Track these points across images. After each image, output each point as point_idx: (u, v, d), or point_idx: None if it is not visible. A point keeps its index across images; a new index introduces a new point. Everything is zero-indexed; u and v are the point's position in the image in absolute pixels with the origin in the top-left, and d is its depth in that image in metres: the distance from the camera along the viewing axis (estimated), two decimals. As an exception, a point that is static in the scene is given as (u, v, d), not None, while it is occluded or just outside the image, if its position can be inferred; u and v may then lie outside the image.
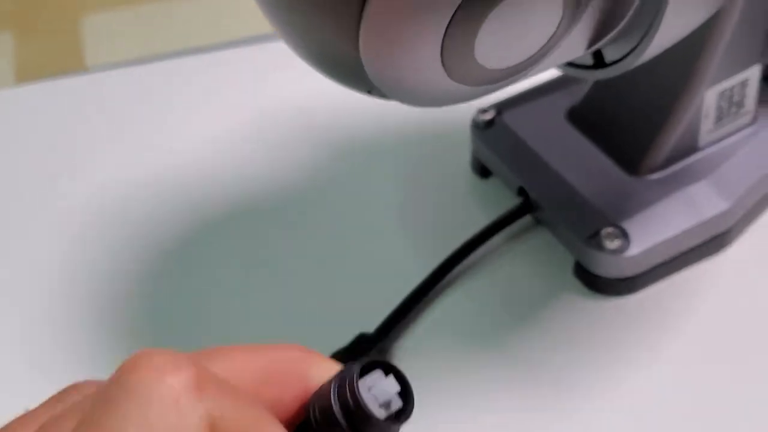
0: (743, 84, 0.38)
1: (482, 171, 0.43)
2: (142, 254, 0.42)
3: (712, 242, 0.38)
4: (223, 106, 0.48)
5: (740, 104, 0.39)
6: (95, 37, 0.55)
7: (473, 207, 0.42)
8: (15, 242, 0.43)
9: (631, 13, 0.29)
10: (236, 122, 0.47)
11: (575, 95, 0.41)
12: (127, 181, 0.45)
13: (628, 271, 0.37)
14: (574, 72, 0.34)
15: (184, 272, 0.41)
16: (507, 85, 0.30)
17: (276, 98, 0.48)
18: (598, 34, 0.30)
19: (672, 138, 0.38)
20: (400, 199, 0.43)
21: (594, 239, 0.37)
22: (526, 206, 0.40)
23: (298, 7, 0.28)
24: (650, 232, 0.37)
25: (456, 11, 0.26)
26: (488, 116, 0.42)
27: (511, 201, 0.41)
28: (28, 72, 0.52)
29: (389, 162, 0.45)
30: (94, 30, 0.55)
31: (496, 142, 0.42)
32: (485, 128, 0.42)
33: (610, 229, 0.37)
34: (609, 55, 0.32)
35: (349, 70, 0.28)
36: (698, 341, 0.37)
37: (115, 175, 0.45)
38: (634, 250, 0.37)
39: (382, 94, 0.29)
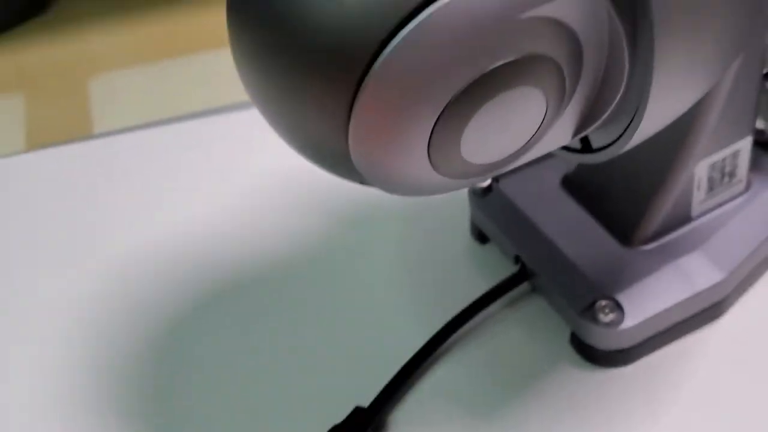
0: (734, 155, 0.38)
1: (481, 237, 0.43)
2: (144, 317, 0.43)
3: (706, 312, 0.39)
4: (228, 170, 0.49)
5: (732, 174, 0.39)
6: (103, 98, 0.56)
7: (472, 273, 0.43)
8: (26, 306, 0.44)
9: (614, 104, 0.30)
10: (239, 186, 0.48)
11: (570, 163, 0.42)
12: (132, 246, 0.46)
13: (623, 343, 0.38)
14: (562, 154, 0.34)
15: (182, 336, 0.42)
16: (494, 175, 0.30)
17: (279, 162, 0.48)
18: (583, 124, 0.30)
19: (663, 209, 0.38)
20: (402, 264, 0.44)
21: (588, 312, 0.37)
22: (522, 274, 0.40)
23: (287, 105, 0.28)
24: (644, 304, 0.37)
25: (442, 112, 0.27)
26: (485, 183, 0.43)
27: (509, 267, 0.41)
28: (38, 134, 0.54)
29: (391, 227, 0.45)
30: (102, 91, 0.56)
31: (493, 210, 0.42)
32: (483, 195, 0.43)
33: (604, 302, 0.37)
34: (596, 142, 0.32)
35: (339, 165, 0.29)
36: (694, 411, 0.37)
37: (121, 242, 0.46)
38: (629, 322, 0.37)
39: (372, 184, 0.30)
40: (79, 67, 0.58)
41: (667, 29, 0.27)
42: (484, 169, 0.29)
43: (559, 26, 0.27)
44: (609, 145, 0.32)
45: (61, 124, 0.54)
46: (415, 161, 0.28)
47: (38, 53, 0.60)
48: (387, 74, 0.26)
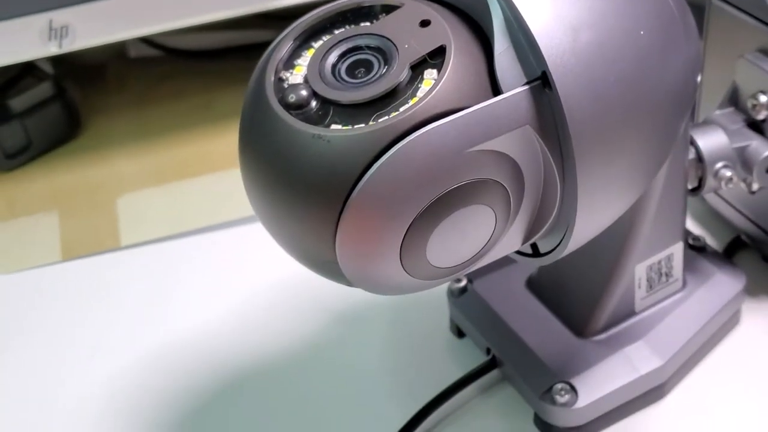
0: (669, 258, 0.45)
1: (458, 332, 0.50)
2: (156, 416, 0.49)
3: (650, 394, 0.45)
4: (237, 275, 0.56)
5: (669, 274, 0.46)
6: (129, 215, 0.63)
7: (450, 362, 0.49)
8: (59, 397, 0.50)
9: (552, 217, 0.36)
10: (248, 289, 0.55)
11: (533, 266, 0.48)
12: (150, 348, 0.52)
13: (578, 421, 0.44)
14: (517, 257, 0.41)
15: (194, 408, 0.48)
16: (458, 276, 0.37)
17: (282, 268, 0.55)
18: (529, 234, 0.37)
19: (610, 305, 0.45)
20: (388, 355, 0.50)
21: (547, 394, 0.43)
22: (492, 364, 0.47)
23: (287, 225, 0.35)
24: (595, 386, 0.43)
25: (410, 226, 0.34)
26: (461, 284, 0.49)
27: (482, 358, 0.48)
28: (72, 247, 0.61)
29: (379, 323, 0.52)
30: (129, 208, 0.64)
31: (468, 308, 0.49)
32: (459, 295, 0.49)
33: (560, 386, 0.43)
34: (542, 248, 0.39)
35: (330, 271, 0.36)
36: (642, 480, 0.43)
37: (140, 347, 0.53)
38: (582, 402, 0.43)
39: (357, 286, 0.36)
40: (108, 187, 0.65)
41: (586, 163, 0.34)
42: (448, 272, 0.36)
43: (502, 156, 0.34)
44: (552, 250, 0.38)
45: (92, 238, 0.61)
46: (390, 267, 0.35)
47: (71, 175, 0.67)
48: (364, 199, 0.33)
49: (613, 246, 0.43)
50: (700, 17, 0.49)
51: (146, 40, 0.76)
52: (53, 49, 0.60)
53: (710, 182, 0.45)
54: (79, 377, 0.51)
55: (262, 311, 0.54)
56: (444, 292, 0.50)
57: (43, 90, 0.69)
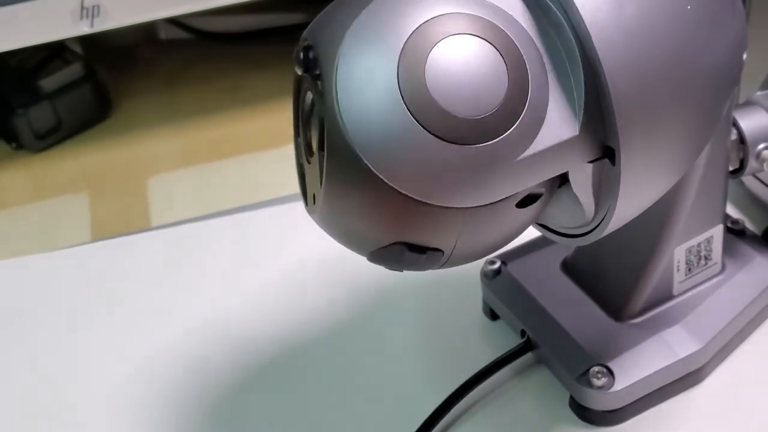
0: (708, 241, 0.44)
1: (492, 314, 0.49)
2: (191, 392, 0.49)
3: (687, 378, 0.44)
4: (269, 254, 0.56)
5: (708, 257, 0.45)
6: (160, 196, 0.63)
7: (484, 345, 0.49)
8: (91, 377, 0.50)
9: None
10: (280, 269, 0.55)
11: (568, 248, 0.48)
12: (183, 329, 0.52)
13: (615, 405, 0.43)
14: (556, 238, 0.40)
15: (229, 389, 0.48)
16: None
17: (314, 249, 0.55)
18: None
19: (648, 288, 0.44)
20: (422, 338, 0.50)
21: (584, 377, 0.43)
22: (527, 346, 0.46)
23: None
24: (632, 370, 0.43)
25: None
26: (495, 266, 0.49)
27: (516, 340, 0.47)
28: (102, 227, 0.61)
29: (413, 307, 0.51)
30: (160, 189, 0.64)
31: (502, 290, 0.48)
32: (493, 277, 0.49)
33: (597, 369, 0.43)
34: (582, 227, 0.38)
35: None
36: (679, 465, 0.42)
37: (172, 326, 0.52)
38: (619, 386, 0.42)
39: None
40: (139, 168, 0.65)
41: (629, 140, 0.33)
42: None
43: None
44: (592, 230, 0.38)
45: (122, 218, 0.61)
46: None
47: (101, 156, 0.67)
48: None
49: (652, 228, 0.42)
50: (741, -3, 0.49)
51: (176, 23, 0.76)
52: (85, 29, 0.60)
53: (752, 164, 0.44)
54: (111, 358, 0.51)
55: (291, 292, 0.53)
56: (477, 274, 0.50)
57: (74, 71, 0.69)
